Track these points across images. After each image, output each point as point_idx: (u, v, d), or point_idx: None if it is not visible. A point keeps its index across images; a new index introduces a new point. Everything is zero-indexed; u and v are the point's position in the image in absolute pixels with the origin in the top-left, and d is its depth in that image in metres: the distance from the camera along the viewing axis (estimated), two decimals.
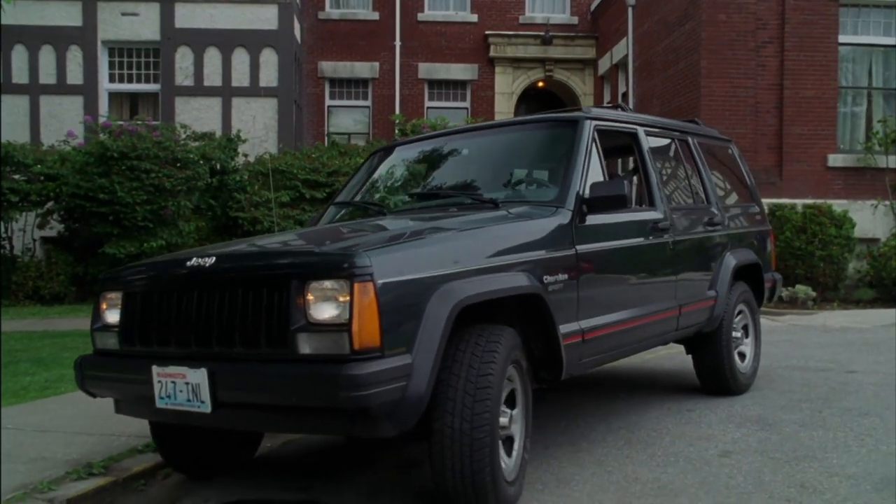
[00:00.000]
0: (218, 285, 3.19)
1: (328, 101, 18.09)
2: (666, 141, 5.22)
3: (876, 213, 12.35)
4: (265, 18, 16.17)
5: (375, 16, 18.00)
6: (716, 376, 5.39)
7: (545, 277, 3.64)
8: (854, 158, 12.61)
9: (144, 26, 16.11)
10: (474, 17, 18.19)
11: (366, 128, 18.24)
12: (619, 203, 3.93)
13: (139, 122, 13.48)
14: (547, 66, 18.25)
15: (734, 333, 5.49)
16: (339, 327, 2.88)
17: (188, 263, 3.33)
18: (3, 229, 13.02)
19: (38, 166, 12.82)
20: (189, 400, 3.18)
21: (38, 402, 5.55)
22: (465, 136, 4.83)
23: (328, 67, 17.97)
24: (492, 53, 18.08)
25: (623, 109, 5.01)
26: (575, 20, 18.49)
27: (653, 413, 5.11)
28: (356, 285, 2.87)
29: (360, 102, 18.23)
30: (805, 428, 4.66)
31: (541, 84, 18.72)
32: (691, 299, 4.92)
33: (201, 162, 12.85)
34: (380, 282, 2.91)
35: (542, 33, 17.82)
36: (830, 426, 4.69)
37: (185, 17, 16.04)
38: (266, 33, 16.12)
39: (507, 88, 18.18)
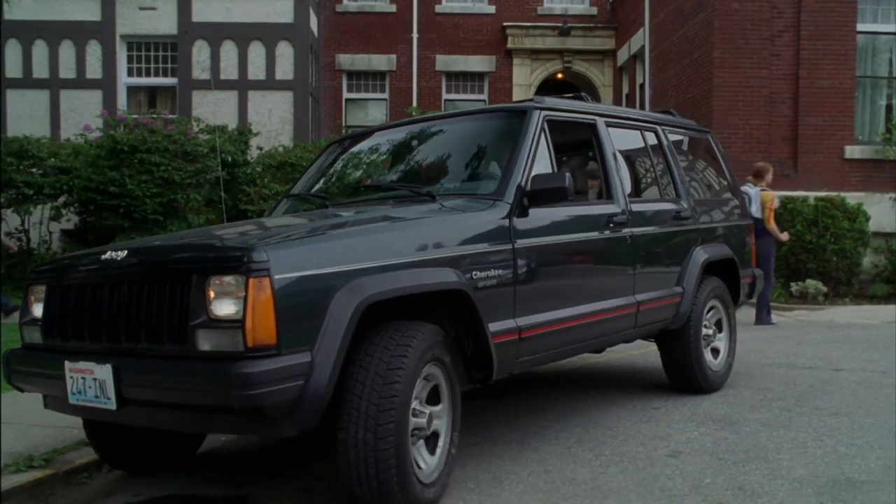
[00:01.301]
0: (126, 280, 3.16)
1: (346, 94, 18.07)
2: (632, 133, 5.08)
3: (895, 207, 12.00)
4: (281, 11, 16.20)
5: (393, 8, 17.93)
6: (684, 374, 5.26)
7: (474, 273, 3.55)
8: (872, 150, 12.27)
9: (162, 20, 16.21)
10: (492, 9, 18.03)
11: (383, 120, 18.20)
12: (560, 196, 3.83)
13: (154, 116, 13.60)
14: (565, 57, 18.04)
15: (705, 330, 5.35)
16: (235, 324, 2.83)
17: (103, 258, 3.30)
18: (20, 222, 13.15)
19: (53, 160, 12.96)
20: (97, 396, 3.15)
21: (10, 395, 5.57)
22: (419, 127, 4.74)
23: (345, 60, 17.95)
24: (509, 45, 17.92)
25: (584, 99, 4.88)
26: (594, 11, 18.25)
27: (616, 411, 5.00)
28: (251, 281, 2.81)
29: (378, 95, 18.19)
30: (767, 428, 4.52)
31: (560, 76, 18.52)
32: (653, 295, 4.79)
33: (211, 155, 12.90)
34: (277, 277, 2.85)
35: (560, 24, 17.60)
36: (794, 426, 4.55)
37: (202, 10, 16.12)
38: (282, 26, 16.14)
39: (524, 80, 18.01)
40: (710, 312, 5.45)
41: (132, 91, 16.47)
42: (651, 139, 5.23)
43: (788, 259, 11.15)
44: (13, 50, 15.94)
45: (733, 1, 12.26)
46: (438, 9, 17.99)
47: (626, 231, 4.58)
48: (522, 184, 3.90)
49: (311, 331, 2.93)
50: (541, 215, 4.00)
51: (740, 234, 5.84)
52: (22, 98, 16.01)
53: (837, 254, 10.88)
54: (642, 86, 15.96)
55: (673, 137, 5.45)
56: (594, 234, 4.35)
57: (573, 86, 18.90)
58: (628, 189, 4.80)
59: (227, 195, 13.45)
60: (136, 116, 14.23)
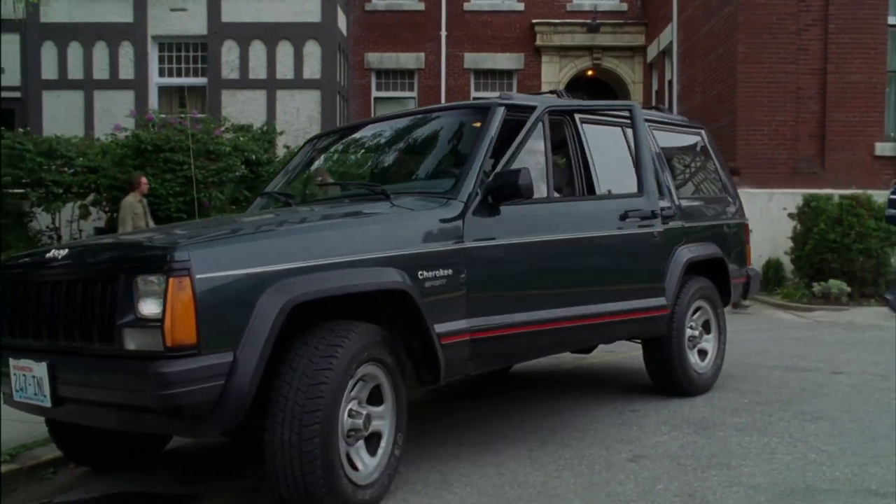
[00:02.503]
0: (64, 279, 3.18)
1: (374, 93, 18.12)
2: (612, 129, 4.98)
3: None
4: (308, 11, 16.27)
5: (421, 6, 17.92)
6: (666, 376, 5.16)
7: (420, 273, 3.51)
8: None
9: (192, 21, 16.38)
10: (521, 6, 17.92)
11: None
12: (516, 193, 3.77)
13: (182, 115, 13.78)
14: (594, 54, 17.85)
15: (690, 332, 5.23)
16: (157, 323, 2.83)
17: (46, 256, 3.34)
18: (50, 221, 13.41)
19: (81, 159, 13.21)
20: (35, 394, 3.19)
21: None
22: (389, 125, 4.71)
23: (374, 59, 17.99)
24: (538, 42, 17.79)
25: (560, 96, 4.80)
26: (624, 7, 18.02)
27: (593, 413, 4.92)
28: (171, 280, 2.81)
29: (406, 93, 18.21)
30: (742, 433, 4.40)
31: (590, 73, 18.34)
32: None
33: (234, 154, 13.03)
34: (199, 277, 2.85)
35: (589, 21, 17.41)
36: (771, 431, 4.42)
37: (231, 10, 16.26)
38: (309, 25, 16.21)
39: (553, 77, 17.86)
40: (697, 313, 5.33)
41: (163, 91, 16.68)
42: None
43: (812, 258, 10.89)
44: (49, 52, 16.26)
45: None
46: (467, 6, 17.94)
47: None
48: (480, 182, 3.84)
49: (235, 331, 2.92)
50: (503, 214, 3.93)
51: (734, 232, 5.69)
52: (57, 99, 16.32)
53: (863, 253, 10.58)
54: (671, 82, 15.72)
55: (659, 134, 5.33)
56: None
57: (603, 83, 18.72)
58: (608, 187, 4.71)
59: (251, 193, 13.58)
60: (163, 116, 14.48)
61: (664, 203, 5.09)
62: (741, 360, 6.62)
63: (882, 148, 11.93)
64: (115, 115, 15.79)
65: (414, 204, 3.78)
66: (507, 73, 18.22)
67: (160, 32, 16.31)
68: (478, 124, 4.09)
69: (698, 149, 5.78)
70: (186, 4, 16.35)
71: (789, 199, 11.73)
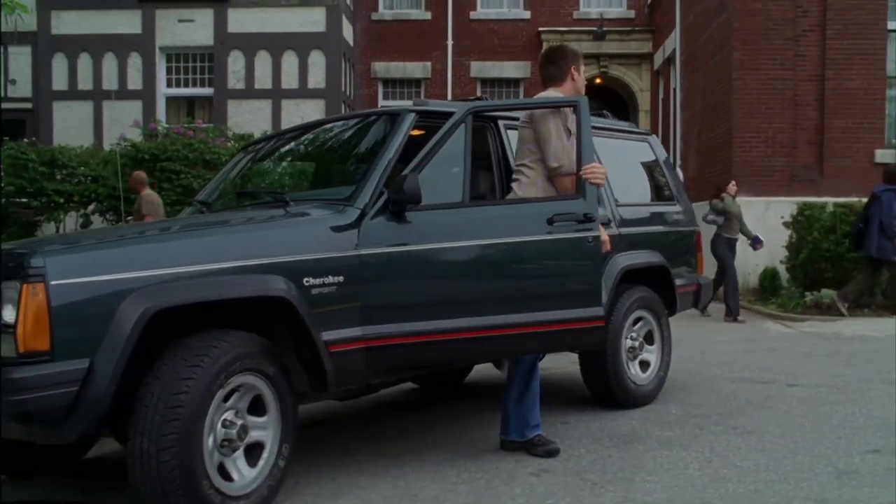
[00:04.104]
0: None
1: (381, 102, 18.15)
2: None
3: None
4: (313, 21, 16.37)
5: (427, 15, 17.95)
6: (602, 387, 5.06)
7: (306, 280, 3.47)
8: None
9: (199, 32, 16.56)
10: (527, 14, 17.87)
11: None
12: (405, 200, 3.71)
13: (186, 126, 13.93)
14: (602, 61, 17.73)
15: (630, 342, 5.14)
16: (11, 329, 2.83)
17: None
18: (55, 230, 13.58)
19: (83, 168, 13.40)
20: None
21: None
22: (310, 132, 4.69)
23: (381, 68, 18.04)
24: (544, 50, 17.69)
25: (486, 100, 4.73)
26: (632, 14, 17.89)
27: None
28: (25, 287, 2.82)
29: None
30: (664, 446, 4.30)
31: (598, 80, 18.21)
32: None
33: None
34: (54, 283, 2.85)
35: (595, 28, 17.30)
36: (694, 445, 4.31)
37: (238, 21, 16.41)
38: (314, 35, 16.31)
39: None
40: (639, 324, 5.23)
41: (171, 101, 16.87)
42: None
43: (806, 267, 10.69)
44: (60, 63, 16.53)
45: (755, 1, 11.85)
46: (473, 15, 17.93)
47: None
48: (380, 189, 3.80)
49: (93, 337, 2.91)
50: (411, 220, 3.88)
51: (681, 240, 5.58)
52: (68, 109, 16.56)
53: (856, 262, 10.34)
54: (675, 90, 15.56)
55: (602, 140, 5.24)
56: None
57: (612, 91, 18.58)
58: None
59: None
60: (167, 126, 14.65)
61: (600, 210, 5.00)
62: (703, 371, 6.50)
63: (882, 155, 11.69)
64: (124, 125, 15.97)
65: (309, 210, 3.76)
66: (513, 82, 18.17)
67: (168, 43, 16.51)
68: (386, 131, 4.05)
69: (645, 156, 5.67)
70: (193, 15, 16.54)
71: (787, 207, 11.51)
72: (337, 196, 3.89)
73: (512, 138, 4.60)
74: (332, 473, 3.95)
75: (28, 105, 16.61)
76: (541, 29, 17.74)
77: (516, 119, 4.72)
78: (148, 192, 11.21)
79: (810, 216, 10.65)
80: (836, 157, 11.74)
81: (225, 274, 3.27)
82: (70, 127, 16.39)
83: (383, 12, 18.13)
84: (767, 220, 11.80)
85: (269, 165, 4.74)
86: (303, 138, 4.70)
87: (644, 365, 5.28)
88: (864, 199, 10.89)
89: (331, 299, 3.56)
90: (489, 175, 4.58)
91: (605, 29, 17.29)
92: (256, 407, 3.40)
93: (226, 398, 3.26)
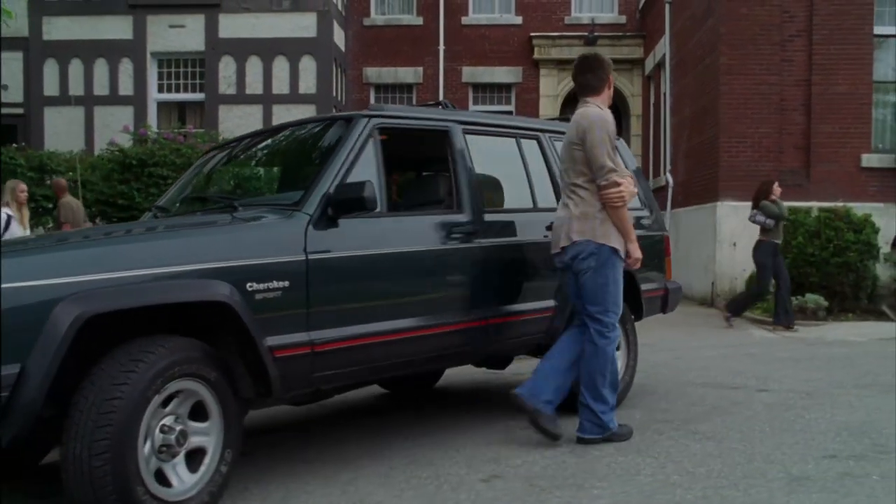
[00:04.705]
0: None
1: None
2: (504, 141, 4.91)
3: None
4: (304, 26, 16.39)
5: (419, 21, 17.96)
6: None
7: (249, 285, 3.46)
8: (891, 159, 11.68)
9: (190, 37, 16.58)
10: (518, 20, 17.88)
11: None
12: (361, 206, 3.71)
13: (176, 131, 13.95)
14: None
15: None
16: None
17: None
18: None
19: (70, 174, 13.41)
20: None
21: None
22: (270, 137, 4.69)
23: (373, 73, 18.05)
24: (536, 56, 17.72)
25: (445, 107, 4.73)
26: (623, 19, 17.89)
27: (483, 430, 4.82)
28: None
29: None
30: (620, 452, 4.28)
31: None
32: (514, 309, 4.60)
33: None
34: None
35: (587, 33, 17.30)
36: (652, 451, 4.29)
37: (229, 27, 16.43)
38: (305, 41, 16.33)
39: (551, 91, 17.77)
40: None
41: (162, 106, 16.89)
42: (531, 147, 5.03)
43: (791, 272, 10.64)
44: (51, 69, 16.55)
45: (742, 6, 11.83)
46: (465, 20, 17.94)
47: (476, 242, 4.41)
48: (329, 194, 3.79)
49: (24, 342, 2.89)
50: (359, 226, 3.89)
51: (648, 245, 5.54)
52: (59, 115, 16.59)
53: (841, 267, 10.32)
54: (666, 95, 15.54)
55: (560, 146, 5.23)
56: (428, 246, 4.19)
57: None
58: (491, 199, 4.63)
59: None
60: (157, 131, 14.65)
61: None
62: (676, 376, 6.48)
63: (869, 159, 11.66)
64: (115, 130, 16.00)
65: (256, 215, 3.75)
66: (505, 87, 18.17)
67: (159, 49, 16.53)
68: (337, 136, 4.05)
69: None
70: (185, 21, 16.56)
71: None
72: (286, 201, 3.89)
73: (477, 144, 4.61)
74: (283, 479, 3.93)
75: (20, 110, 16.66)
76: (532, 34, 17.75)
77: (478, 125, 4.75)
78: (67, 199, 11.15)
79: (795, 221, 10.62)
80: (823, 161, 11.71)
81: (167, 279, 3.25)
82: (61, 132, 16.41)
83: (375, 18, 18.15)
84: (754, 225, 11.74)
85: (227, 170, 4.73)
86: (262, 143, 4.70)
87: None
88: (849, 204, 10.90)
89: (276, 304, 3.55)
90: (447, 181, 4.56)
91: (596, 34, 17.27)
92: (198, 412, 3.39)
93: (165, 403, 3.24)
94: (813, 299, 10.16)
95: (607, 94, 4.44)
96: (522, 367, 6.20)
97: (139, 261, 3.23)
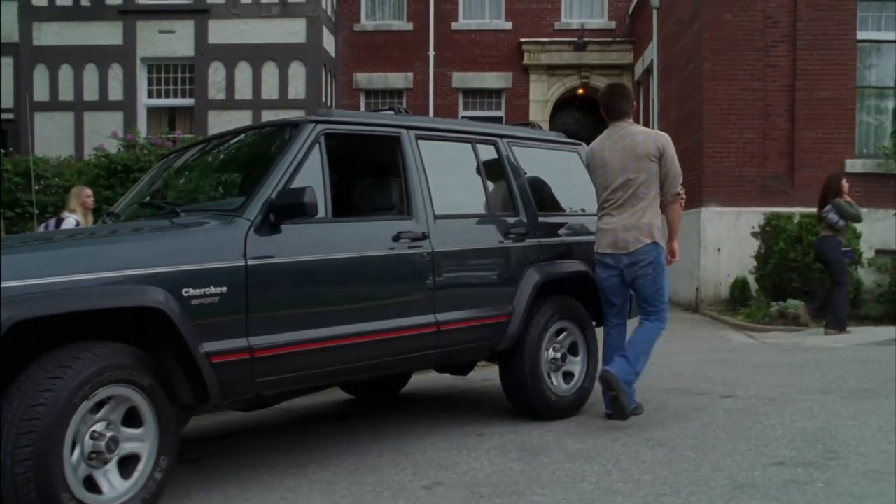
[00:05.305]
0: None
1: None
2: (459, 146, 4.90)
3: None
4: (294, 32, 16.40)
5: (409, 27, 17.98)
6: (521, 399, 5.03)
7: (185, 291, 3.45)
8: (875, 164, 11.63)
9: (180, 43, 16.60)
10: (508, 25, 17.89)
11: None
12: (301, 211, 3.70)
13: (164, 137, 13.95)
14: (582, 72, 17.73)
15: (552, 353, 5.10)
16: None
17: None
18: None
19: (57, 179, 13.43)
20: None
21: None
22: (224, 142, 4.69)
23: (363, 79, 18.07)
24: (525, 61, 17.72)
25: (398, 112, 4.72)
26: (613, 25, 17.90)
27: (438, 435, 4.81)
28: None
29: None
30: (570, 459, 4.25)
31: (581, 91, 18.20)
32: (466, 315, 4.58)
33: None
34: None
35: (576, 39, 17.30)
36: (602, 458, 4.26)
37: (218, 32, 16.45)
38: (294, 46, 16.34)
39: (541, 96, 17.77)
40: (562, 335, 5.18)
41: (152, 112, 16.90)
42: (488, 153, 5.02)
43: (773, 278, 10.63)
44: (41, 74, 16.57)
45: (726, 11, 11.84)
46: (455, 26, 17.95)
47: (425, 248, 4.39)
48: (271, 200, 3.78)
49: None
50: (304, 232, 3.89)
51: None
52: (49, 120, 16.60)
53: (824, 272, 10.27)
54: (653, 100, 15.54)
55: (522, 151, 5.23)
56: (373, 252, 4.18)
57: (594, 101, 18.56)
58: (444, 205, 4.61)
59: None
60: (147, 137, 14.66)
61: (518, 220, 4.99)
62: (645, 382, 6.35)
63: (853, 164, 11.63)
64: (104, 135, 16.04)
65: (196, 221, 3.74)
66: (495, 93, 18.18)
67: (149, 54, 16.55)
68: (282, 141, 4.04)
69: (573, 166, 5.63)
70: (174, 27, 16.58)
71: (758, 217, 11.44)
72: (228, 207, 3.88)
73: (430, 150, 4.61)
74: (225, 485, 3.92)
75: (10, 116, 16.68)
76: (522, 40, 17.76)
77: (431, 130, 4.74)
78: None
79: (777, 226, 10.60)
80: (807, 167, 11.68)
81: (102, 284, 3.24)
82: (51, 138, 16.42)
83: (365, 23, 18.16)
84: (739, 229, 11.76)
85: (179, 175, 4.73)
86: (215, 148, 4.69)
87: (568, 376, 5.24)
88: None
89: (213, 310, 3.54)
90: (398, 186, 4.55)
91: (585, 40, 17.29)
92: (133, 418, 3.37)
93: (95, 409, 3.23)
94: (794, 305, 10.11)
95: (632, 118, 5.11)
96: (489, 373, 6.20)
97: (75, 266, 3.22)
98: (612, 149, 4.93)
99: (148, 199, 4.50)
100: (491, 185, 4.99)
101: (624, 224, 4.84)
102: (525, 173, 5.16)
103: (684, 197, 5.04)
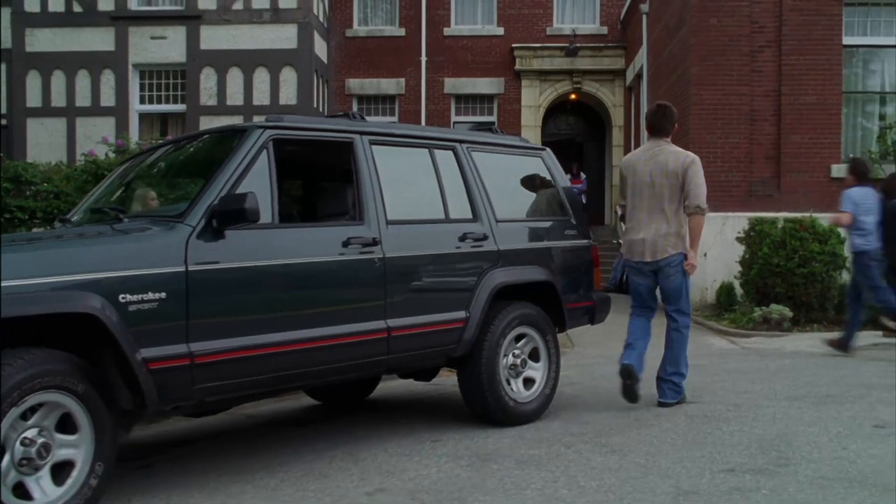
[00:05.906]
0: None
1: None
2: (415, 151, 4.89)
3: None
4: (285, 38, 16.43)
5: (402, 32, 18.00)
6: (479, 405, 5.02)
7: (122, 297, 3.44)
8: None
9: (172, 49, 16.63)
10: (500, 31, 17.90)
11: None
12: (242, 217, 3.70)
13: (153, 142, 13.96)
14: (574, 77, 17.73)
15: (511, 359, 5.09)
16: None
17: None
18: None
19: (46, 185, 13.44)
20: None
21: None
22: (176, 148, 4.69)
23: (355, 84, 18.09)
24: (518, 66, 17.73)
25: (353, 118, 4.72)
26: (604, 30, 17.90)
27: (394, 441, 4.80)
28: None
29: (387, 118, 18.24)
30: (520, 465, 4.24)
31: (573, 96, 18.20)
32: (419, 321, 4.56)
33: None
34: None
35: (567, 44, 17.30)
36: (552, 465, 4.24)
37: (210, 38, 16.48)
38: (286, 52, 16.37)
39: (533, 102, 17.76)
40: (522, 341, 5.17)
41: (144, 118, 16.93)
42: (445, 158, 5.01)
43: (758, 283, 10.59)
44: (34, 80, 16.61)
45: (711, 16, 11.80)
46: (447, 31, 17.97)
47: (377, 253, 4.38)
48: (214, 206, 3.78)
49: None
50: (249, 238, 3.89)
51: (571, 255, 5.52)
52: (41, 126, 16.64)
53: (807, 278, 10.24)
54: (644, 105, 15.53)
55: (483, 156, 5.22)
56: (322, 258, 4.18)
57: (587, 106, 18.57)
58: (398, 211, 4.60)
59: None
60: (139, 142, 14.68)
61: (476, 226, 4.98)
62: (613, 388, 6.38)
63: (839, 169, 11.54)
64: (96, 141, 16.06)
65: (137, 227, 3.74)
66: (487, 98, 18.18)
67: (141, 60, 16.58)
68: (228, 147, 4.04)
69: (536, 171, 5.62)
70: (166, 33, 16.61)
71: (744, 222, 11.39)
72: (171, 213, 3.88)
73: (385, 155, 4.60)
74: (170, 491, 3.91)
75: (2, 122, 16.73)
76: (514, 45, 17.77)
77: (386, 136, 4.73)
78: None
79: (761, 231, 10.56)
80: (793, 172, 11.64)
81: (38, 290, 3.24)
82: (43, 144, 16.46)
83: (358, 29, 18.19)
84: (725, 234, 11.71)
85: (135, 180, 4.73)
86: (168, 154, 4.70)
87: (529, 382, 5.22)
88: (815, 214, 10.82)
89: (152, 316, 3.53)
90: (351, 191, 4.55)
91: (577, 45, 17.29)
92: (68, 424, 3.37)
93: (28, 415, 3.23)
94: (777, 310, 10.07)
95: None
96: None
97: (12, 272, 3.21)
98: (646, 161, 5.47)
99: (93, 205, 4.51)
100: (449, 191, 4.97)
101: (652, 234, 5.42)
102: (484, 179, 5.14)
103: (706, 210, 5.43)
